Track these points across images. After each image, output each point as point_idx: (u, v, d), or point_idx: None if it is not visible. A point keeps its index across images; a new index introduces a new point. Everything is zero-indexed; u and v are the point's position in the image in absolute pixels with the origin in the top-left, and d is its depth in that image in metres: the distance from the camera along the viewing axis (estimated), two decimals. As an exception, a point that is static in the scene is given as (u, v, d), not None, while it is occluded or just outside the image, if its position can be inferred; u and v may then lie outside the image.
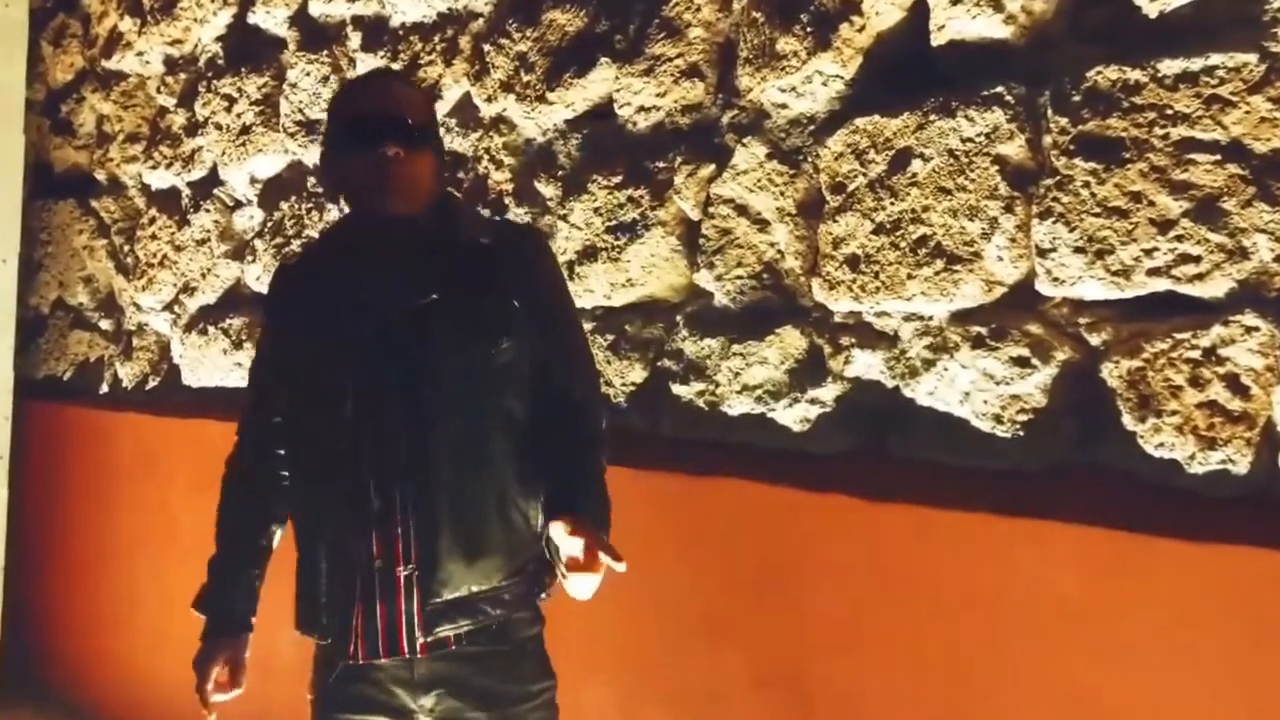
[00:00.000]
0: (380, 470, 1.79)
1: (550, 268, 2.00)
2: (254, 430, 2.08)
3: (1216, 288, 1.82)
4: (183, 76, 4.04)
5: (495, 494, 1.84)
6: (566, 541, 1.66)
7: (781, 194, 2.41)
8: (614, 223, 2.68)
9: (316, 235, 3.10)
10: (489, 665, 1.83)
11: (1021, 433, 2.03)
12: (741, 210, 2.47)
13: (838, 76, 2.33)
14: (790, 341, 2.37)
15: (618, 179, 2.69)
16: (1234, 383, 1.79)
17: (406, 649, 1.78)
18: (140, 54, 4.21)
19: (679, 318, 2.59)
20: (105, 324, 4.35)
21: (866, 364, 2.25)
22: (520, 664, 1.87)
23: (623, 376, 2.66)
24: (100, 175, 4.42)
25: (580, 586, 1.70)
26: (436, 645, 1.79)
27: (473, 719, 1.82)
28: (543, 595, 1.92)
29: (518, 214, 2.87)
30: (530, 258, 1.94)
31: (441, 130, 3.08)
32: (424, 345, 1.79)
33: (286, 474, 1.99)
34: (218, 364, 3.77)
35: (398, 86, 1.98)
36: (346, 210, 1.98)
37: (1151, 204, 1.88)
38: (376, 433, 1.79)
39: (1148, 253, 1.88)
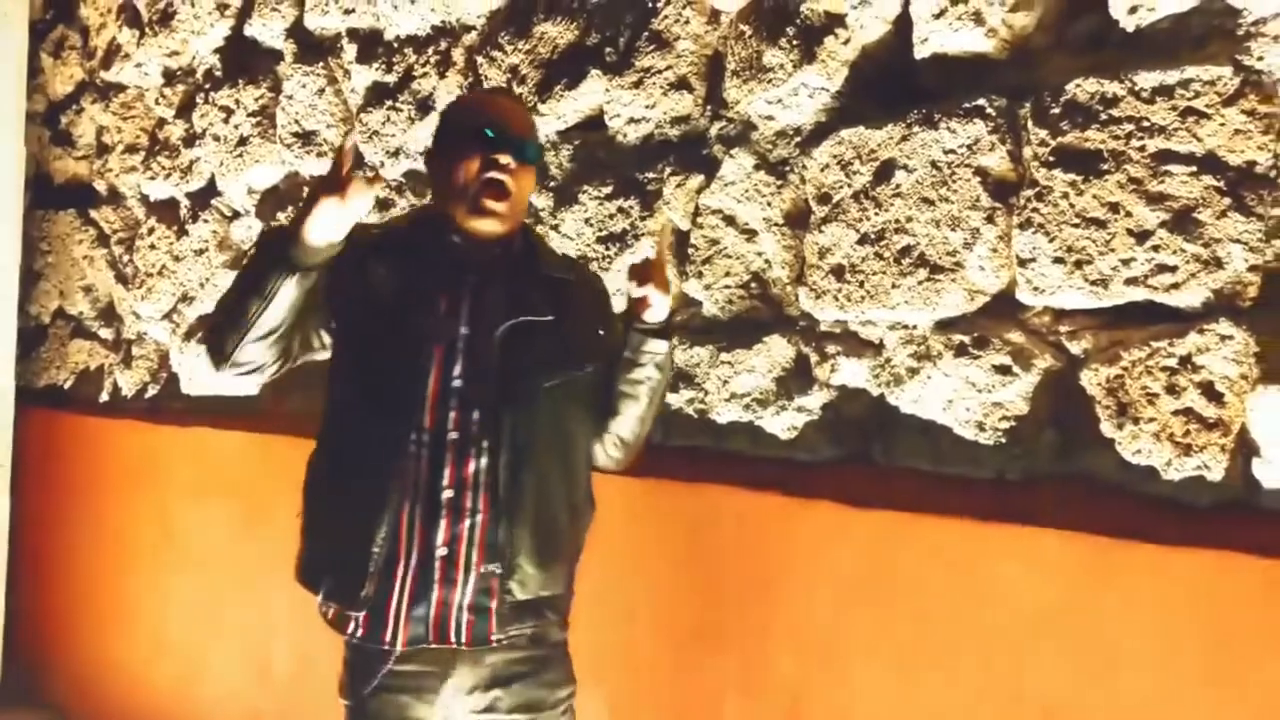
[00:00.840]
0: (461, 466, 1.81)
1: (613, 313, 2.13)
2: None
3: (1192, 297, 1.85)
4: (181, 88, 4.08)
5: (568, 504, 1.92)
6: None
7: (768, 204, 2.44)
8: (604, 233, 2.71)
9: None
10: (526, 668, 1.87)
11: (1003, 440, 2.06)
12: (729, 220, 2.50)
13: (823, 89, 2.36)
14: (777, 350, 2.40)
15: (608, 189, 2.72)
16: (1209, 390, 1.82)
17: (455, 639, 1.80)
18: (139, 65, 4.25)
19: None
20: (105, 333, 4.38)
21: (852, 372, 2.28)
22: (549, 669, 1.91)
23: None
24: (100, 186, 4.46)
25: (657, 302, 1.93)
26: (480, 641, 1.81)
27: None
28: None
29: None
30: (604, 298, 2.12)
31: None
32: (524, 356, 1.85)
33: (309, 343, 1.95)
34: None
35: (519, 106, 2.09)
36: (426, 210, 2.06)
37: (1129, 215, 1.91)
38: (463, 430, 1.81)
39: (1125, 263, 1.91)
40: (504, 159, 1.84)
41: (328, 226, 1.70)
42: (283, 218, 3.60)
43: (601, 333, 2.00)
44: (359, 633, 1.84)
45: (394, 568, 1.80)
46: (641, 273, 1.92)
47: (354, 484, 1.85)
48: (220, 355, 1.85)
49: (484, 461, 1.81)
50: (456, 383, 1.83)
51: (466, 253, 1.90)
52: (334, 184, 1.69)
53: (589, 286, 2.10)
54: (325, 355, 1.97)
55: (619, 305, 2.18)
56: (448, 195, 1.91)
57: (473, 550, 1.80)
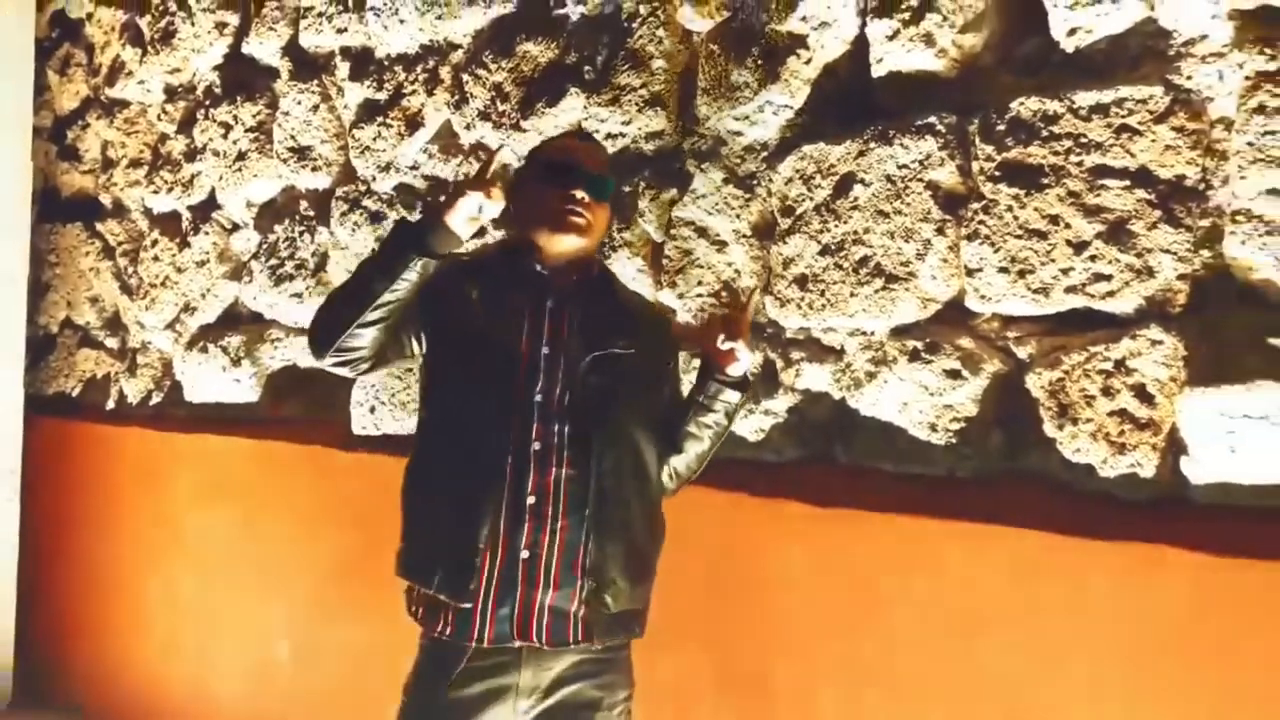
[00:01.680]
0: (543, 475, 1.91)
1: (677, 343, 2.29)
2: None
3: (1126, 304, 1.96)
4: (182, 104, 4.21)
5: (648, 524, 2.04)
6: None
7: (737, 217, 2.55)
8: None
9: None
10: (589, 669, 1.95)
11: (954, 440, 2.17)
12: (701, 232, 2.62)
13: (787, 106, 2.47)
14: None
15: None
16: (1141, 392, 1.93)
17: (536, 638, 1.88)
18: (141, 82, 4.38)
19: (645, 334, 2.72)
20: (111, 342, 4.51)
21: (815, 377, 2.39)
22: (611, 670, 2.00)
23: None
24: (105, 199, 4.58)
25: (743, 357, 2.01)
26: (560, 642, 1.90)
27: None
28: None
29: (495, 235, 3.02)
30: (669, 330, 2.28)
31: (428, 159, 3.27)
32: (612, 381, 1.97)
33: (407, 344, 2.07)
34: (217, 380, 3.93)
35: (595, 147, 2.24)
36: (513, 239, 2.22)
37: (1068, 226, 2.02)
38: (544, 442, 1.92)
39: (1065, 272, 2.02)
40: (579, 193, 1.97)
41: (468, 217, 1.93)
42: (279, 230, 3.73)
43: (670, 364, 2.17)
44: (447, 630, 1.92)
45: (483, 568, 1.91)
46: (730, 327, 2.01)
47: (451, 489, 1.96)
48: (328, 338, 1.98)
49: (565, 472, 1.92)
50: (538, 398, 1.95)
51: (547, 278, 2.02)
52: (481, 181, 1.95)
53: (657, 319, 2.28)
54: (411, 363, 2.14)
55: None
56: (531, 221, 2.05)
57: (553, 555, 1.90)
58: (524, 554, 1.89)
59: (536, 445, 1.92)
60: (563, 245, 2.00)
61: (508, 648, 1.90)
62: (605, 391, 1.96)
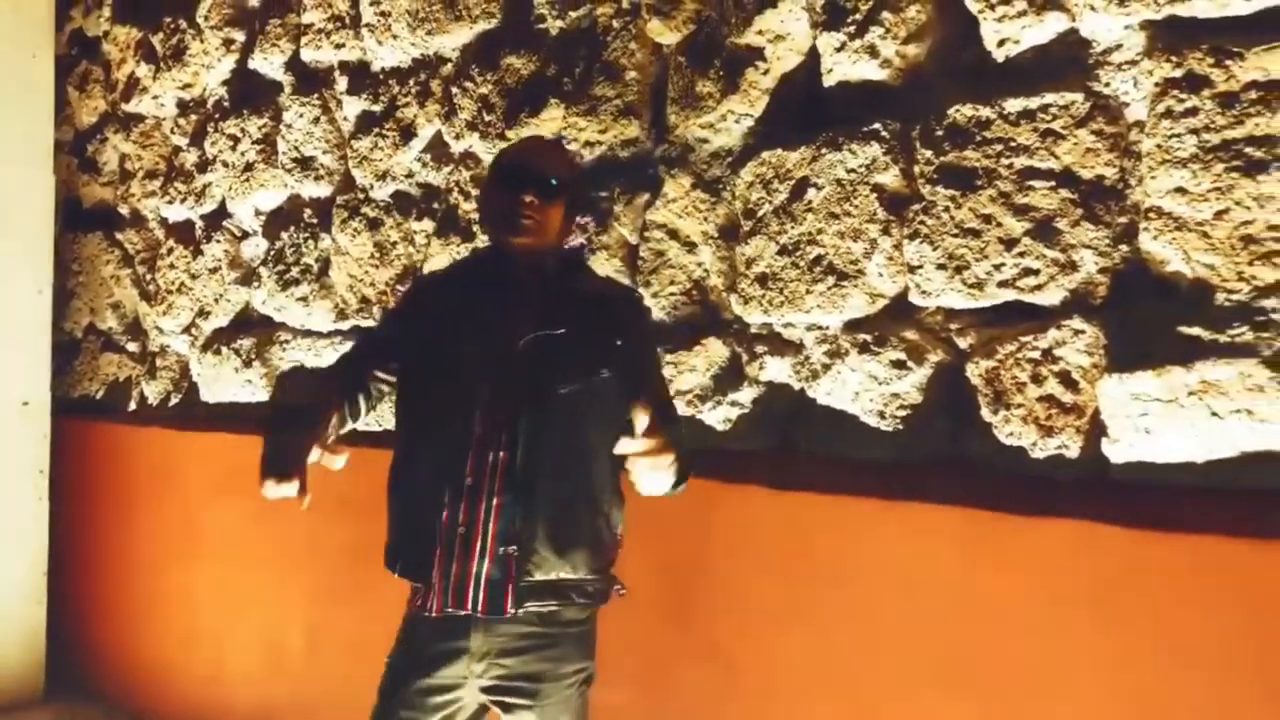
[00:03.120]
0: (481, 458, 2.09)
1: (644, 320, 2.42)
2: (364, 348, 2.36)
3: (1052, 297, 2.10)
4: (193, 118, 4.40)
5: (588, 498, 2.17)
6: (636, 442, 1.87)
7: (705, 219, 2.70)
8: (565, 247, 2.98)
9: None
10: (535, 642, 2.13)
11: (900, 426, 2.31)
12: (673, 234, 2.77)
13: (748, 114, 2.62)
14: (715, 351, 2.66)
15: (567, 208, 2.99)
16: (1066, 379, 2.07)
17: (472, 607, 2.07)
18: (155, 97, 4.58)
19: (624, 331, 2.88)
20: (132, 346, 4.72)
21: (777, 370, 2.54)
22: (560, 645, 2.16)
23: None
24: (124, 210, 4.79)
25: (645, 478, 1.98)
26: (495, 611, 2.07)
27: (516, 688, 2.13)
28: (621, 590, 2.24)
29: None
30: (631, 312, 2.34)
31: (422, 168, 3.43)
32: (543, 365, 2.13)
33: (375, 392, 2.29)
34: (231, 381, 4.12)
35: (550, 151, 2.42)
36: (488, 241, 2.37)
37: (999, 225, 2.16)
38: (485, 428, 2.10)
39: (997, 267, 2.16)
40: (528, 197, 2.14)
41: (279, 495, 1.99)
42: (285, 237, 3.91)
43: (619, 343, 2.22)
44: (416, 604, 2.16)
45: (434, 547, 2.11)
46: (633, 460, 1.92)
47: (412, 483, 2.19)
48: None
49: (501, 455, 2.09)
50: (485, 387, 2.12)
51: (509, 274, 2.20)
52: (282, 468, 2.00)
53: (617, 301, 2.36)
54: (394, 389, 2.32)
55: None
56: (488, 223, 2.28)
57: (488, 529, 2.08)
58: (461, 530, 2.08)
59: (478, 430, 2.09)
60: (515, 244, 2.17)
61: (456, 616, 2.08)
62: (538, 373, 2.12)
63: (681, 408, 2.71)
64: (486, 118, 3.21)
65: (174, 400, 4.43)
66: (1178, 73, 1.94)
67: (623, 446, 1.84)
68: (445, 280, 2.39)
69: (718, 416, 2.64)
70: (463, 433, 2.10)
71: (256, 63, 4.09)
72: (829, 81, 2.47)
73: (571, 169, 2.37)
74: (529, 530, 2.08)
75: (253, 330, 4.07)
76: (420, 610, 2.13)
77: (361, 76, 3.65)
